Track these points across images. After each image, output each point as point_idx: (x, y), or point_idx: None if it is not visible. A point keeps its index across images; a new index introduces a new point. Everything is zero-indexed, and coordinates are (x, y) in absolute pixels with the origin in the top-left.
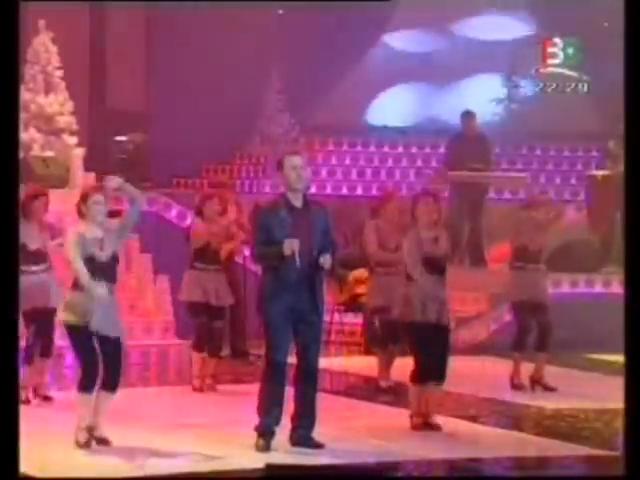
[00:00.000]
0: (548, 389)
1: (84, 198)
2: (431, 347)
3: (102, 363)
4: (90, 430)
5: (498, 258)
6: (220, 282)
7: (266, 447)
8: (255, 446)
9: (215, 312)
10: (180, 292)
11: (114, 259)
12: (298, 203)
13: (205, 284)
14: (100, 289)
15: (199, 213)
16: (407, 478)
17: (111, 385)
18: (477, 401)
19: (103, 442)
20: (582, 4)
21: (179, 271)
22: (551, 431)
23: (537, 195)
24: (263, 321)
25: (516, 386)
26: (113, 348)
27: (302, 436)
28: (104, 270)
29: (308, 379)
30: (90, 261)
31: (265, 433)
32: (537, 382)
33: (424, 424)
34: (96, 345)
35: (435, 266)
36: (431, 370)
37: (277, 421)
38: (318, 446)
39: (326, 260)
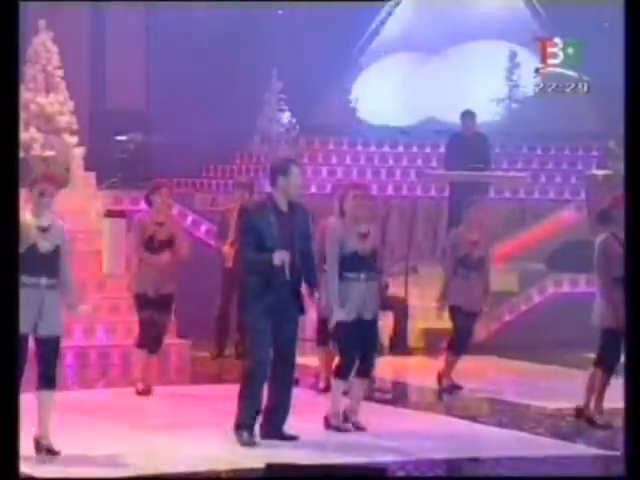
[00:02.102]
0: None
1: (31, 186)
2: (354, 343)
3: (37, 360)
4: (38, 440)
5: (498, 257)
6: (161, 272)
7: (252, 440)
8: (240, 442)
9: (157, 305)
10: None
11: (57, 252)
12: (284, 207)
13: (148, 275)
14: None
15: (148, 202)
16: (407, 478)
17: (48, 382)
18: (477, 401)
19: (51, 452)
20: (582, 4)
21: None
22: (551, 431)
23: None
24: (245, 321)
25: (445, 389)
26: (46, 347)
27: (274, 429)
28: (45, 263)
29: (285, 374)
30: (31, 251)
31: (247, 426)
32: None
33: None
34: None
35: (360, 263)
36: (355, 365)
37: (257, 415)
38: (291, 438)
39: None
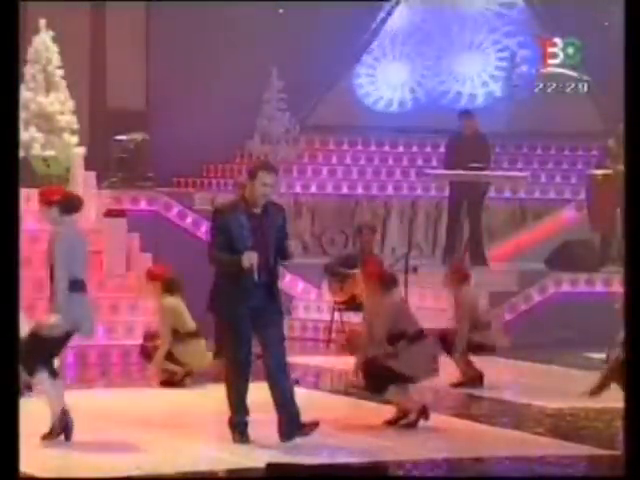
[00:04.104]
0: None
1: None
2: None
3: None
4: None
5: (498, 257)
6: None
7: (246, 438)
8: (233, 440)
9: None
10: None
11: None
12: (257, 209)
13: None
14: None
15: None
16: (407, 478)
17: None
18: (477, 400)
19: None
20: (582, 4)
21: (180, 270)
22: (552, 430)
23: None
24: (223, 322)
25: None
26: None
27: (291, 430)
28: None
29: (279, 377)
30: None
31: (239, 425)
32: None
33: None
34: None
35: None
36: None
37: (247, 412)
38: (310, 427)
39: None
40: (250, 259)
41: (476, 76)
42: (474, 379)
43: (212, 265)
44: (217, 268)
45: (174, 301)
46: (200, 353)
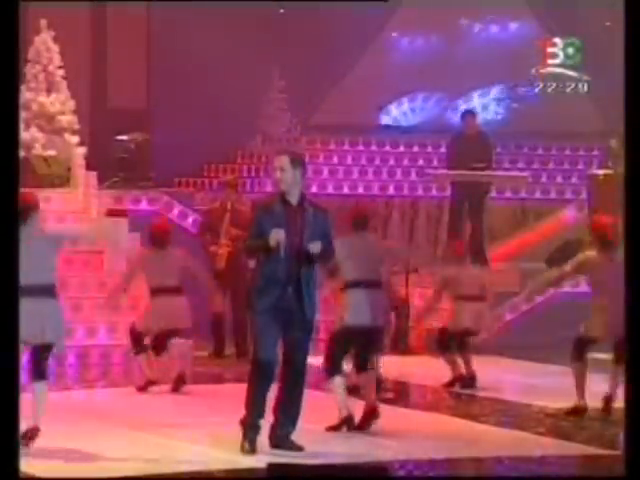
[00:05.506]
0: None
1: None
2: None
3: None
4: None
5: (500, 257)
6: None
7: (251, 449)
8: (241, 448)
9: None
10: None
11: None
12: (294, 200)
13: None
14: None
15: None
16: (407, 478)
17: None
18: (478, 400)
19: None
20: (582, 4)
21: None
22: (552, 430)
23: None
24: (250, 316)
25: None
26: None
27: (281, 438)
28: None
29: (293, 379)
30: None
31: (251, 428)
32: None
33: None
34: None
35: None
36: None
37: (262, 415)
38: (298, 448)
39: (315, 246)
40: (277, 236)
41: (477, 76)
42: (460, 378)
43: (247, 256)
44: (251, 257)
45: (148, 253)
46: (175, 310)
